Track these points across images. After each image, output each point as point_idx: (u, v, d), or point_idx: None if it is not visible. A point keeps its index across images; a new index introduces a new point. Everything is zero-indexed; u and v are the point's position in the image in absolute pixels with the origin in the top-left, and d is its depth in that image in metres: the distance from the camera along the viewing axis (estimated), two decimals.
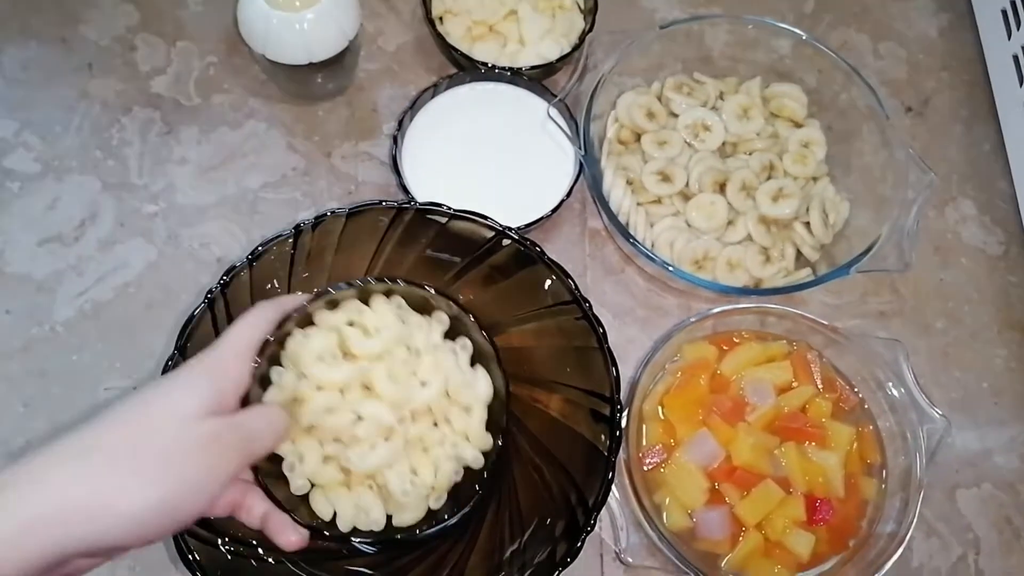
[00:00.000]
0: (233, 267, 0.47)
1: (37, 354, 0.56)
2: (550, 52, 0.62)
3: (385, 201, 0.49)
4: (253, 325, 0.40)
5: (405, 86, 0.66)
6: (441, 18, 0.64)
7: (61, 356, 0.56)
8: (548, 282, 0.49)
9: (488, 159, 0.60)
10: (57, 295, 0.58)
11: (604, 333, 0.47)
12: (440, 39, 0.62)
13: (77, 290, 0.58)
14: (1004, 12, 0.66)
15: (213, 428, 0.35)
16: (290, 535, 0.40)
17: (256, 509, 0.40)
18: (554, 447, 0.52)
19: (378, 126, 0.65)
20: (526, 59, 0.62)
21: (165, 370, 0.44)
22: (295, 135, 0.64)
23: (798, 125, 0.63)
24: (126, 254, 0.60)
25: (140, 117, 0.64)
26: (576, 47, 0.63)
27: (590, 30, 0.63)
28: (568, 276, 0.48)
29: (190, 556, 0.42)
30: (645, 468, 0.52)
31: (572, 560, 0.43)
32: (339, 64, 0.61)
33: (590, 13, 0.64)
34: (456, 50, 0.61)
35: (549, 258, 0.48)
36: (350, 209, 0.48)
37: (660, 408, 0.53)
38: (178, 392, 0.36)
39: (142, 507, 0.33)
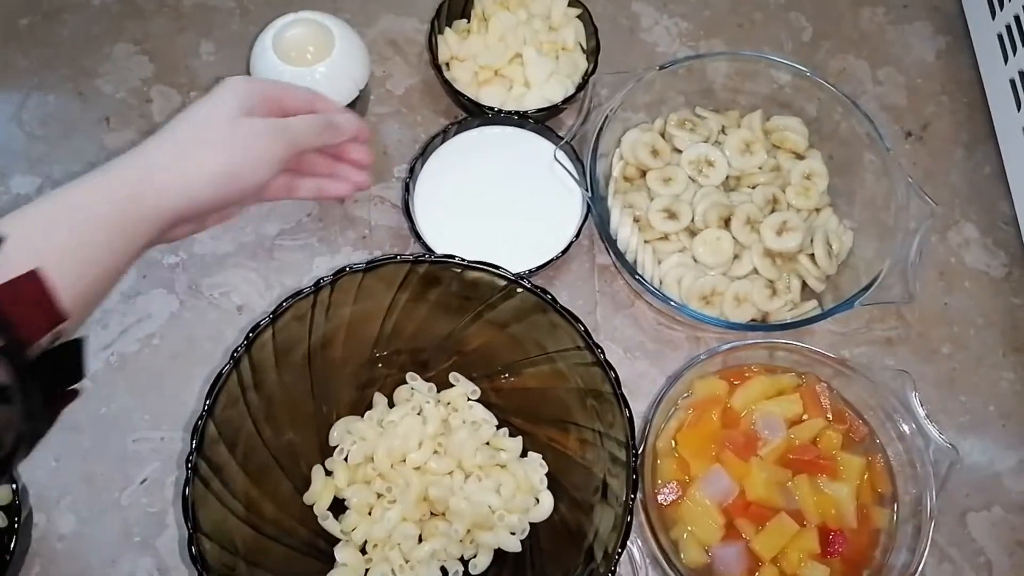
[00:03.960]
0: (257, 325, 0.48)
1: (67, 408, 0.58)
2: (555, 94, 0.64)
3: (400, 255, 0.50)
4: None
5: (414, 128, 0.68)
6: (448, 64, 0.65)
7: (90, 409, 0.58)
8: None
9: (498, 201, 0.62)
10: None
11: (617, 378, 0.48)
12: (447, 85, 0.63)
13: (103, 343, 0.60)
14: (1000, 36, 0.67)
15: (260, 125, 0.46)
16: (355, 177, 0.55)
17: (306, 186, 0.53)
18: (571, 486, 0.54)
19: (389, 169, 0.67)
20: (532, 101, 0.64)
21: (195, 430, 0.45)
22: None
23: (800, 157, 0.64)
24: (149, 306, 0.61)
25: None
26: (580, 87, 0.64)
27: (593, 71, 0.64)
28: (580, 322, 0.50)
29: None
30: (660, 505, 0.53)
31: None
32: (350, 110, 0.62)
33: (592, 54, 0.65)
34: (463, 95, 0.63)
35: (561, 306, 0.50)
36: (367, 265, 0.50)
37: (673, 445, 0.55)
38: (220, 97, 0.46)
39: (213, 172, 0.44)
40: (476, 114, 0.63)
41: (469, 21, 0.67)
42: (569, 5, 0.66)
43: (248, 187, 0.46)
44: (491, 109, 0.62)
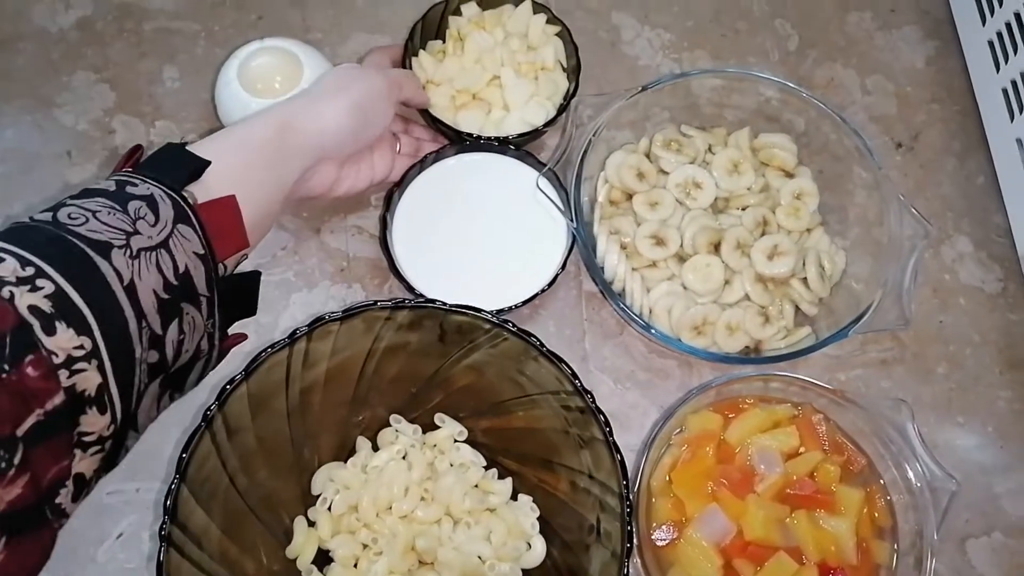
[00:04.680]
0: (232, 380, 0.46)
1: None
2: (536, 117, 0.61)
3: (379, 301, 0.48)
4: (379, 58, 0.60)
5: None
6: (423, 87, 0.63)
7: None
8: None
9: (480, 232, 0.60)
10: None
11: (608, 423, 0.47)
12: (423, 110, 0.61)
13: None
14: (991, 43, 0.65)
15: (373, 70, 0.54)
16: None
17: (400, 166, 0.59)
18: (562, 528, 0.52)
19: (366, 197, 0.64)
20: (512, 126, 0.61)
21: (167, 495, 0.43)
22: (282, 212, 0.63)
23: (789, 175, 0.63)
24: None
25: None
26: (562, 108, 0.62)
27: (574, 91, 0.62)
28: (568, 366, 0.48)
29: None
30: (656, 546, 0.52)
31: None
32: None
33: (574, 73, 0.63)
34: (441, 122, 0.60)
35: (548, 350, 0.48)
36: (343, 313, 0.47)
37: (668, 483, 0.53)
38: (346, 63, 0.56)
39: (343, 108, 0.50)
40: (454, 140, 0.61)
41: (444, 42, 0.64)
42: (548, 22, 0.64)
43: (372, 123, 0.53)
44: (470, 135, 0.60)
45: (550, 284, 0.57)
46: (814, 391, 0.54)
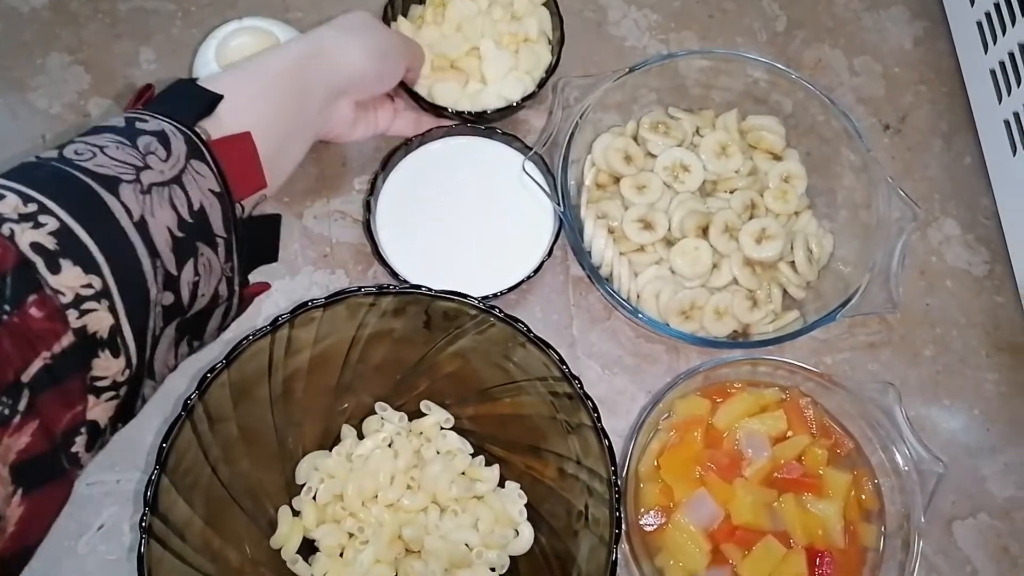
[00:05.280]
0: (213, 368, 0.45)
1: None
2: (513, 92, 0.60)
3: (363, 287, 0.47)
4: None
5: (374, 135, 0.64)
6: None
7: None
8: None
9: (465, 217, 0.59)
10: None
11: (596, 409, 0.46)
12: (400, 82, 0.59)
13: None
14: (979, 24, 0.65)
15: (386, 27, 0.55)
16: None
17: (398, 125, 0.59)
18: (550, 515, 0.52)
19: (348, 182, 0.63)
20: (488, 99, 0.60)
21: (148, 485, 0.42)
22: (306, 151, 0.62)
23: (777, 158, 0.62)
24: None
25: None
26: (542, 83, 0.61)
27: (556, 65, 0.61)
28: (556, 352, 0.47)
29: None
30: (644, 531, 0.51)
31: None
32: None
33: (558, 46, 0.62)
34: (415, 94, 0.59)
35: (536, 335, 0.47)
36: (326, 300, 0.46)
37: (656, 468, 0.53)
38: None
39: (366, 47, 0.50)
40: (431, 112, 0.60)
41: (425, 5, 0.62)
42: None
43: (389, 72, 0.53)
44: (444, 109, 0.59)
45: (537, 269, 0.56)
46: (801, 375, 0.54)
